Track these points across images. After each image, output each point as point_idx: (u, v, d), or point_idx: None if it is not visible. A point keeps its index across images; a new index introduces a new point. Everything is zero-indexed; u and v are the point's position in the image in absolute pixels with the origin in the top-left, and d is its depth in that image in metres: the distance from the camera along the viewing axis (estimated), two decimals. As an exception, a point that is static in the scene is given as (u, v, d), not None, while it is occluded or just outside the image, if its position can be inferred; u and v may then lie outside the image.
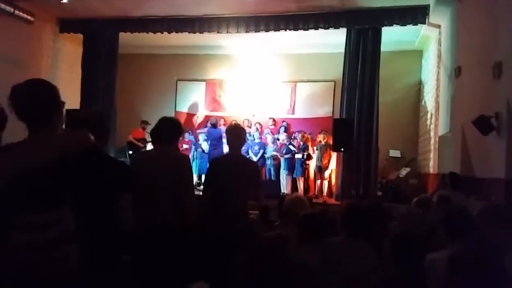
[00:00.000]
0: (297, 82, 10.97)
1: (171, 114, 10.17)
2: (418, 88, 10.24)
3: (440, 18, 7.77)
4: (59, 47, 10.17)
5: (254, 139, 9.70)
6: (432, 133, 8.52)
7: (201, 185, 6.83)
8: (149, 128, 9.67)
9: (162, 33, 9.29)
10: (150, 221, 2.67)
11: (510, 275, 1.83)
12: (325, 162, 9.04)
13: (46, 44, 9.85)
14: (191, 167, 3.10)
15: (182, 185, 2.80)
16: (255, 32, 8.90)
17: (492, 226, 2.28)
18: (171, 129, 3.02)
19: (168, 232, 2.66)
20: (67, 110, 7.35)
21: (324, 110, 10.72)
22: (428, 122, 8.92)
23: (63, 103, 1.95)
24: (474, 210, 4.08)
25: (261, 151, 9.44)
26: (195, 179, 9.62)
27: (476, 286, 1.78)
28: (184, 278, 2.22)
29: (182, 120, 11.11)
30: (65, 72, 10.19)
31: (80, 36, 9.95)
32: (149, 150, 7.04)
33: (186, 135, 10.24)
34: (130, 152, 9.43)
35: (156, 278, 2.60)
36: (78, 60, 9.96)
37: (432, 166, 8.27)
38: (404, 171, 8.82)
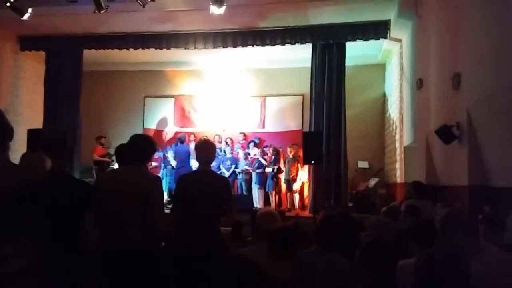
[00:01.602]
0: (266, 96, 11.06)
1: (139, 131, 10.01)
2: (383, 100, 10.55)
3: (401, 32, 8.08)
4: (20, 65, 9.84)
5: (226, 154, 9.66)
6: (397, 144, 8.75)
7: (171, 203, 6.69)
8: (106, 141, 9.58)
9: (127, 49, 9.18)
10: (116, 241, 2.57)
11: (475, 278, 1.87)
12: (292, 175, 9.10)
13: (6, 63, 9.51)
14: (161, 187, 2.98)
15: (151, 205, 2.70)
16: (223, 47, 8.95)
17: (455, 232, 2.34)
18: (143, 148, 2.88)
19: (135, 252, 2.57)
20: (29, 130, 7.13)
21: (294, 123, 10.83)
22: (393, 133, 9.18)
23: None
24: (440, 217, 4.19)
25: (233, 166, 9.41)
26: (165, 197, 9.43)
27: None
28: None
29: (150, 137, 10.97)
30: (27, 90, 9.86)
31: (42, 53, 9.69)
32: (116, 169, 6.86)
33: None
34: (99, 169, 9.18)
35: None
36: (41, 78, 9.66)
37: (399, 176, 8.48)
38: (372, 182, 8.98)
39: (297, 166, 9.11)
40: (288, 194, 9.24)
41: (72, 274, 1.85)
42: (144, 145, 2.90)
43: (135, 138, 2.93)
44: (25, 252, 1.49)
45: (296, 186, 9.21)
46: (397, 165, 8.69)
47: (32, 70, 10.05)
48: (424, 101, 6.51)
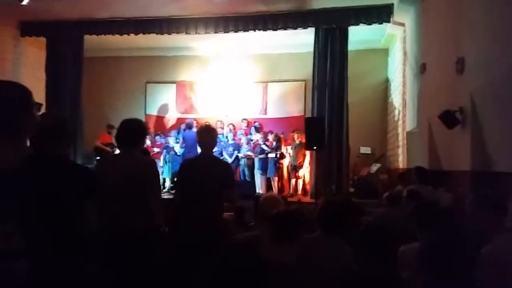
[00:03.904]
0: (268, 82, 11.01)
1: (141, 117, 10.00)
2: (385, 85, 10.48)
3: (404, 16, 7.99)
4: (21, 51, 9.80)
5: (228, 140, 9.66)
6: (400, 129, 8.73)
7: (174, 188, 6.73)
8: (114, 132, 9.56)
9: (128, 35, 9.12)
10: (115, 225, 2.59)
11: (484, 262, 1.88)
12: (299, 161, 9.11)
13: (7, 49, 9.47)
14: (156, 171, 2.99)
15: (147, 189, 2.72)
16: (224, 32, 8.87)
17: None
18: (132, 132, 2.90)
19: (134, 236, 2.59)
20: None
21: (296, 109, 10.80)
22: (396, 119, 9.14)
23: (38, 104, 1.83)
24: (443, 202, 4.22)
25: (236, 152, 9.42)
26: (168, 182, 9.48)
27: (445, 275, 1.82)
28: (154, 283, 2.15)
29: (152, 123, 10.99)
30: (28, 77, 9.80)
31: (43, 39, 9.63)
32: (113, 154, 6.88)
33: (157, 138, 10.09)
34: (98, 157, 9.16)
35: (123, 282, 2.52)
36: (42, 64, 9.63)
37: (401, 161, 8.48)
38: (374, 167, 8.99)
39: (304, 152, 9.09)
40: (294, 179, 9.26)
41: (70, 260, 1.86)
42: (132, 128, 2.92)
43: (124, 122, 2.94)
44: (9, 237, 1.49)
45: (302, 172, 9.22)
46: (400, 151, 8.68)
47: (33, 56, 10.00)
48: (427, 86, 6.46)
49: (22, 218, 1.61)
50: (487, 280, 1.89)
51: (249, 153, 9.38)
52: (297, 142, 9.13)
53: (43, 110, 9.10)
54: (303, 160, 9.16)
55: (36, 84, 9.68)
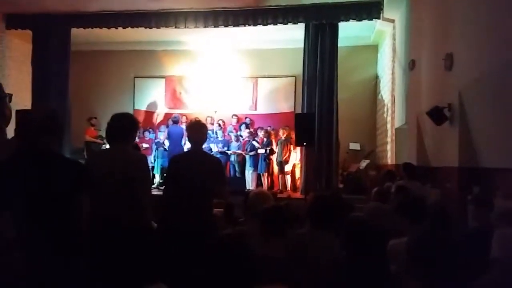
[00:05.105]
0: (258, 78, 10.98)
1: (130, 112, 9.88)
2: (375, 82, 10.53)
3: (394, 13, 8.02)
4: (6, 44, 9.60)
5: (218, 137, 9.63)
6: (389, 126, 8.79)
7: (163, 184, 6.67)
8: (97, 123, 9.52)
9: (116, 28, 9.00)
10: (105, 221, 2.56)
11: (480, 257, 1.90)
12: (285, 157, 9.12)
13: (-8, 41, 9.29)
14: (147, 167, 2.95)
15: (138, 185, 2.69)
16: (214, 27, 8.80)
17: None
18: (123, 127, 2.84)
19: (124, 232, 2.57)
20: (18, 111, 6.99)
21: (286, 105, 10.80)
22: (385, 115, 9.20)
23: (9, 95, 1.80)
24: (431, 197, 4.26)
25: (225, 148, 9.39)
26: (157, 178, 9.42)
27: (432, 269, 1.83)
28: (142, 279, 2.13)
29: (141, 118, 10.88)
30: (14, 70, 9.65)
31: (29, 32, 9.46)
32: (104, 149, 6.81)
33: (146, 134, 10.01)
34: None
35: (112, 278, 2.49)
36: (28, 57, 9.46)
37: (390, 158, 8.54)
38: (363, 163, 9.05)
39: (290, 147, 9.10)
40: (280, 175, 9.27)
41: (62, 254, 1.83)
42: (123, 123, 2.86)
43: (114, 116, 2.89)
44: (4, 228, 1.47)
45: (288, 168, 9.24)
46: (388, 147, 8.74)
47: (19, 49, 9.82)
48: (416, 82, 6.50)
49: (14, 212, 1.58)
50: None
51: (239, 151, 9.35)
52: (283, 138, 9.13)
53: (28, 104, 8.97)
54: (289, 156, 9.17)
55: (22, 77, 9.53)
